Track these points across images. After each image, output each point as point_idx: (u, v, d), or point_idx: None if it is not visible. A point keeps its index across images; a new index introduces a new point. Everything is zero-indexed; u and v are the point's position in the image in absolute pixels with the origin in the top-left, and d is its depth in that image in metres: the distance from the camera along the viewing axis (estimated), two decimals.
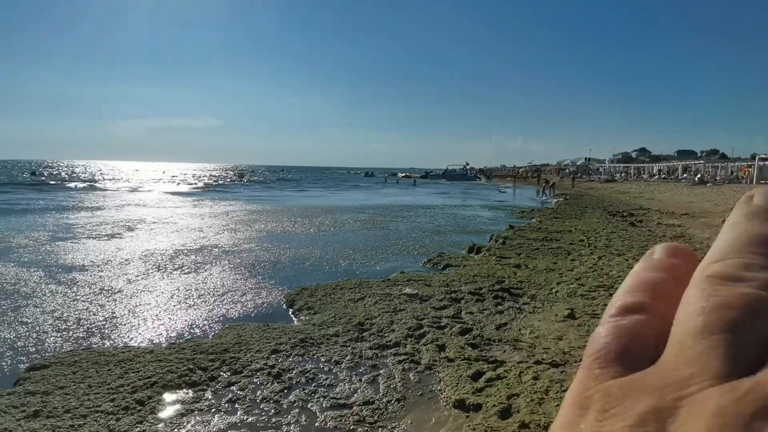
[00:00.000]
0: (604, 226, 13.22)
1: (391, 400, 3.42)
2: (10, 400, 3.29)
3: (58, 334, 4.73)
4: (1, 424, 2.99)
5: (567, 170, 59.00)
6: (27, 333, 4.75)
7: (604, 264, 8.04)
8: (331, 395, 3.47)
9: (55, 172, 61.36)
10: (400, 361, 4.08)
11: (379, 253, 9.74)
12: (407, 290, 6.37)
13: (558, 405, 3.23)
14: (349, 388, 3.59)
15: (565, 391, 2.68)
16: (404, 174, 78.63)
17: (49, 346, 4.43)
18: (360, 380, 3.73)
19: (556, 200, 25.74)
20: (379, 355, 4.25)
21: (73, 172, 63.35)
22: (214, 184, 43.23)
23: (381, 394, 3.52)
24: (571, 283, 6.71)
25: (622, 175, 59.08)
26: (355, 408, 3.30)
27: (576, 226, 13.16)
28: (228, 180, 53.05)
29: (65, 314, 5.34)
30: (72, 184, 36.31)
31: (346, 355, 4.18)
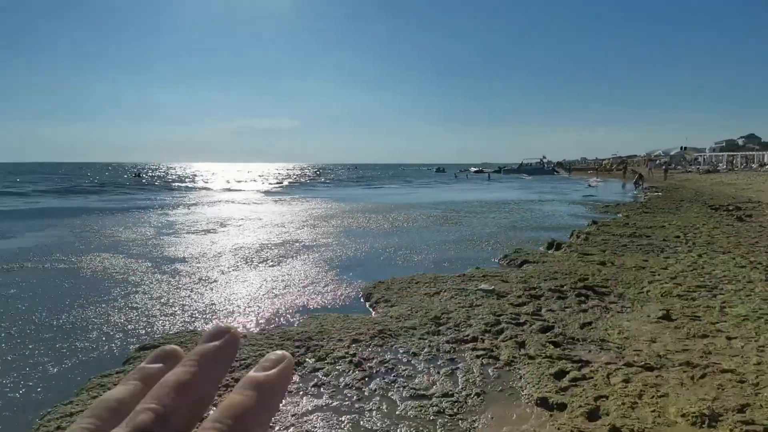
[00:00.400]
0: (705, 221, 12.00)
1: (470, 394, 3.41)
2: (120, 379, 3.69)
3: (165, 318, 5.28)
4: None
5: (658, 161, 54.24)
6: (137, 317, 5.35)
7: (706, 262, 7.33)
8: (411, 385, 3.54)
9: (156, 174, 68.02)
10: (478, 356, 4.05)
11: (453, 248, 9.67)
12: (483, 286, 6.28)
13: (652, 410, 3.04)
14: (428, 380, 3.63)
15: (660, 396, 2.53)
16: (477, 169, 77.04)
17: (158, 329, 4.96)
18: (438, 373, 3.76)
19: (645, 193, 23.82)
20: (457, 349, 4.24)
21: (172, 173, 69.79)
22: (293, 182, 45.41)
23: (460, 387, 3.52)
24: (666, 283, 6.20)
25: (727, 165, 53.04)
26: (434, 399, 3.34)
27: (670, 221, 12.10)
28: (307, 178, 55.42)
29: (171, 300, 5.94)
30: (172, 185, 40.00)
31: (424, 348, 4.23)
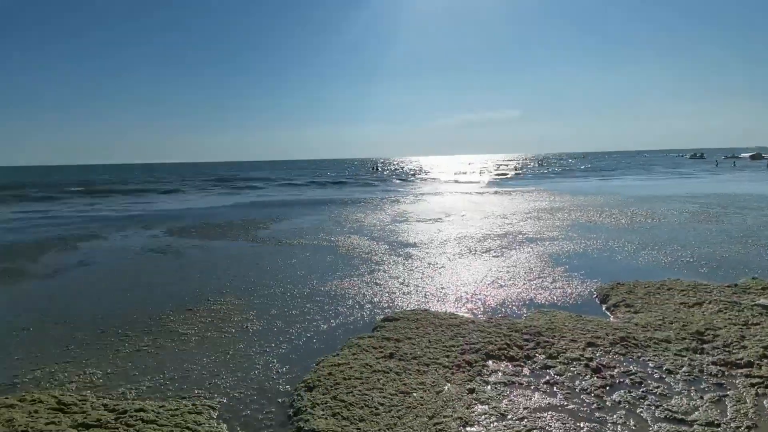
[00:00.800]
0: None
1: (740, 427, 2.75)
2: (371, 342, 4.29)
3: (403, 296, 5.93)
4: (363, 360, 3.90)
5: None
6: (380, 291, 6.14)
7: None
8: (665, 406, 3.07)
9: (389, 167, 76.45)
10: (752, 384, 3.24)
11: (718, 251, 7.88)
12: (764, 301, 4.95)
13: None
14: (688, 403, 3.09)
15: None
16: (752, 153, 60.64)
17: (397, 304, 5.60)
18: (701, 397, 3.15)
19: None
20: (726, 373, 3.48)
21: (402, 167, 77.32)
22: (516, 173, 44.47)
23: (728, 417, 2.88)
24: None
25: None
26: (696, 427, 2.82)
27: None
28: (529, 169, 53.48)
29: (406, 280, 6.63)
30: (402, 177, 44.35)
31: (682, 366, 3.60)
